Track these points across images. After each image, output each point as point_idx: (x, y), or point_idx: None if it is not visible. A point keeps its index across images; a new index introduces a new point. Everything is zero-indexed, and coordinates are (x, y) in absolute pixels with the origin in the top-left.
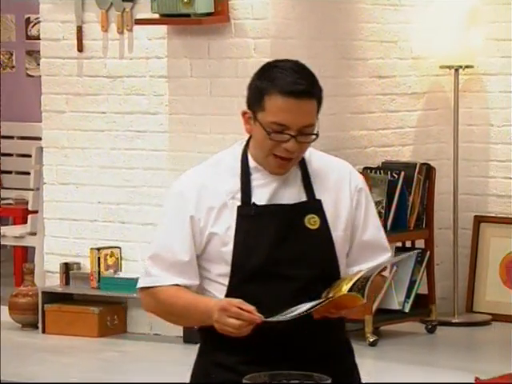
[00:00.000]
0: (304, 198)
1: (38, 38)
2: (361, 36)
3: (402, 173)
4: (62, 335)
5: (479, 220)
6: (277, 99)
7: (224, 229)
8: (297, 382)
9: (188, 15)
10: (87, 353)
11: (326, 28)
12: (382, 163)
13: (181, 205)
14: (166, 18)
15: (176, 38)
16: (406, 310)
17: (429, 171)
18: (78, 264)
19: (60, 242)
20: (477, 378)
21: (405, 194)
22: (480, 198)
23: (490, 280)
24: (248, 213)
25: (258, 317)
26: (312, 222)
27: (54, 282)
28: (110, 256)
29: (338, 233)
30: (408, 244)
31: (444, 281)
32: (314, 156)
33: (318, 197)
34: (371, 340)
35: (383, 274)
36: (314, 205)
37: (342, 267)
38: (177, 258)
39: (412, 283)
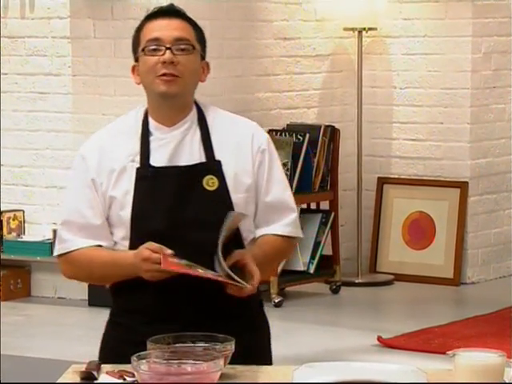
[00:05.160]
0: (203, 159)
1: None
2: None
3: (307, 135)
4: None
5: (382, 181)
6: (147, 26)
7: (122, 192)
8: (202, 343)
9: None
10: None
11: None
12: (287, 125)
13: (83, 169)
14: None
15: None
16: (311, 270)
17: (333, 133)
18: None
19: None
20: (380, 337)
21: (309, 155)
22: (383, 160)
23: (392, 240)
24: (145, 175)
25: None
26: (210, 183)
27: None
28: (13, 219)
29: (238, 195)
30: (313, 206)
31: (348, 242)
32: (217, 114)
33: (218, 157)
34: (276, 301)
35: (289, 234)
36: (212, 166)
37: (246, 229)
38: (88, 221)
39: (317, 244)
